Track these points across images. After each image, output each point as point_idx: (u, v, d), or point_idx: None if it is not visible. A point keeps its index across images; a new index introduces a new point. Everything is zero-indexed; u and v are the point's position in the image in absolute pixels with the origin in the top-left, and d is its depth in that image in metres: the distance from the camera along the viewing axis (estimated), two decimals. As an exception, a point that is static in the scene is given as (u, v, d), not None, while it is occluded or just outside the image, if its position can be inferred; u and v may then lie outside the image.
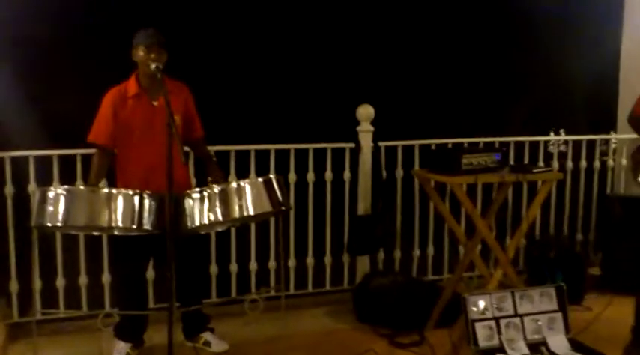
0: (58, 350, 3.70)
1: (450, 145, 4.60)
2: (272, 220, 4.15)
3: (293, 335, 3.89)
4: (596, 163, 5.08)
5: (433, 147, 4.57)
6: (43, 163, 3.82)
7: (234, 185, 3.03)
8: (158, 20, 3.52)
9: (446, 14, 4.92)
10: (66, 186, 2.90)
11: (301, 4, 4.47)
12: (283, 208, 3.15)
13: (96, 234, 3.36)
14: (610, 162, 5.15)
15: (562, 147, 5.02)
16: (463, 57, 5.01)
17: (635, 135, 4.98)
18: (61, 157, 3.87)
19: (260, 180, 3.07)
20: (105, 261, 3.97)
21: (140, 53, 3.31)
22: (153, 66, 3.18)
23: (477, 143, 4.61)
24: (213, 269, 4.20)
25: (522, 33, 5.14)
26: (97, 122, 3.39)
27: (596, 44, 5.29)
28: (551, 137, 5.06)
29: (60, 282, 3.93)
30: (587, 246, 5.13)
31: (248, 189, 3.00)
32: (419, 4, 4.77)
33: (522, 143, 4.83)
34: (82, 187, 3.10)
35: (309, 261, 4.43)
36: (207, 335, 3.68)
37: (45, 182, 3.76)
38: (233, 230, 4.15)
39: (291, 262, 4.38)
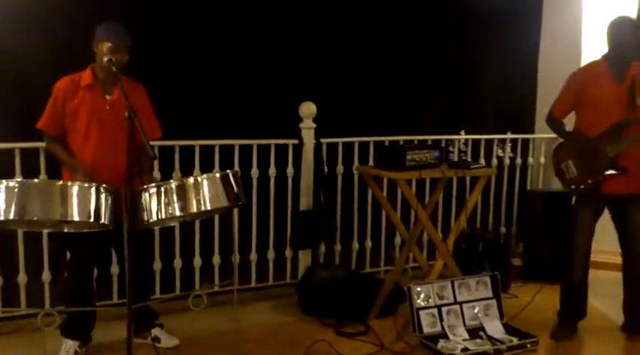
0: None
1: (386, 142, 4.77)
2: (217, 216, 4.18)
3: (241, 329, 3.93)
4: (518, 161, 5.42)
5: (371, 144, 4.73)
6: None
7: (191, 180, 3.02)
8: (109, 15, 3.45)
9: (382, 18, 5.10)
10: (18, 179, 2.80)
11: (245, 4, 4.50)
12: (240, 203, 3.18)
13: (47, 230, 3.25)
14: (530, 160, 5.51)
15: (510, 153, 5.32)
16: (398, 59, 5.21)
17: (552, 135, 5.41)
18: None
19: (217, 175, 3.08)
20: (45, 258, 3.85)
21: (103, 49, 3.25)
22: (105, 59, 3.15)
23: (412, 140, 4.81)
24: (157, 265, 4.16)
25: (453, 37, 5.40)
26: (46, 109, 3.33)
27: (516, 50, 5.63)
28: (480, 136, 5.30)
29: (-4, 281, 3.77)
30: (509, 238, 5.47)
31: (206, 183, 3.00)
32: (358, 6, 4.92)
33: (454, 141, 5.10)
34: (35, 180, 3.00)
35: (253, 256, 4.48)
36: (156, 331, 3.66)
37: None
38: (177, 225, 4.12)
39: (234, 257, 4.41)
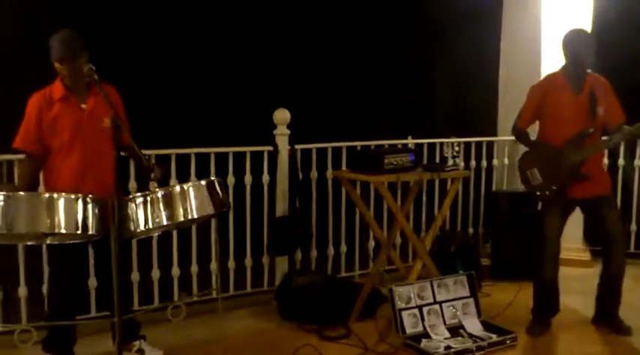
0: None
1: (358, 147, 4.83)
2: (194, 226, 4.15)
3: (224, 338, 3.92)
4: (484, 163, 5.57)
5: (344, 149, 4.78)
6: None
7: (177, 188, 3.01)
8: (84, 22, 3.42)
9: (349, 26, 5.19)
10: (4, 192, 2.73)
11: (219, 12, 4.51)
12: (225, 209, 3.19)
13: (31, 243, 3.18)
14: (495, 162, 5.66)
15: (456, 153, 5.39)
16: (365, 66, 5.30)
17: (511, 138, 5.58)
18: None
19: (203, 182, 3.08)
20: (21, 273, 3.75)
21: (57, 66, 3.25)
22: (85, 68, 3.10)
23: (382, 145, 4.87)
24: (135, 276, 4.10)
25: (420, 44, 5.53)
26: (22, 127, 3.25)
27: (478, 55, 5.79)
28: (450, 139, 5.40)
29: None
30: (477, 238, 5.60)
31: (192, 191, 3.00)
32: (332, 15, 4.99)
33: (421, 145, 5.19)
34: (21, 192, 2.93)
35: (230, 263, 4.46)
36: (139, 343, 3.61)
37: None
38: (155, 236, 4.08)
39: (213, 265, 4.39)
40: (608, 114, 3.78)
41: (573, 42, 3.77)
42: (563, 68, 3.86)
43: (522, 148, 5.51)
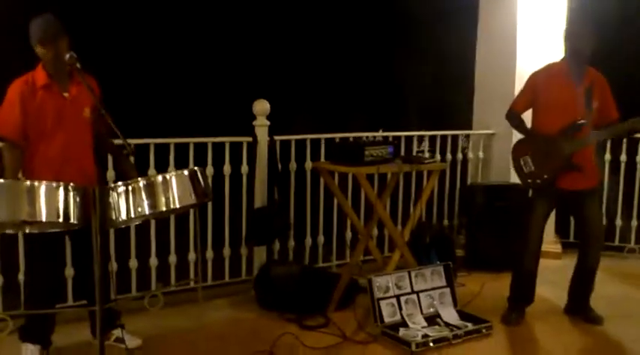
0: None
1: (337, 139, 4.86)
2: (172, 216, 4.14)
3: (203, 327, 3.93)
4: (459, 156, 5.65)
5: (322, 140, 4.81)
6: None
7: (159, 178, 3.00)
8: (65, 11, 3.38)
9: (329, 19, 5.21)
10: (-16, 180, 2.69)
11: (200, 3, 4.50)
12: (207, 199, 3.19)
13: (10, 231, 3.14)
14: (470, 155, 5.75)
15: (424, 146, 5.46)
16: (346, 61, 5.33)
17: (489, 131, 5.70)
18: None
19: (185, 172, 3.07)
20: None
21: (38, 49, 3.20)
22: (67, 56, 3.07)
23: (360, 137, 4.91)
24: (113, 265, 4.08)
25: (404, 40, 5.57)
26: (5, 114, 3.20)
27: (454, 50, 5.85)
28: (426, 132, 5.47)
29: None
30: (452, 230, 5.69)
31: (174, 181, 2.99)
32: (311, 8, 5.00)
33: (398, 137, 5.24)
34: (1, 180, 2.89)
35: (209, 253, 4.47)
36: (118, 332, 3.59)
37: None
38: (132, 226, 4.06)
39: (191, 255, 4.39)
40: (603, 110, 3.85)
41: (570, 36, 3.83)
42: (564, 59, 3.91)
43: (497, 142, 5.69)
